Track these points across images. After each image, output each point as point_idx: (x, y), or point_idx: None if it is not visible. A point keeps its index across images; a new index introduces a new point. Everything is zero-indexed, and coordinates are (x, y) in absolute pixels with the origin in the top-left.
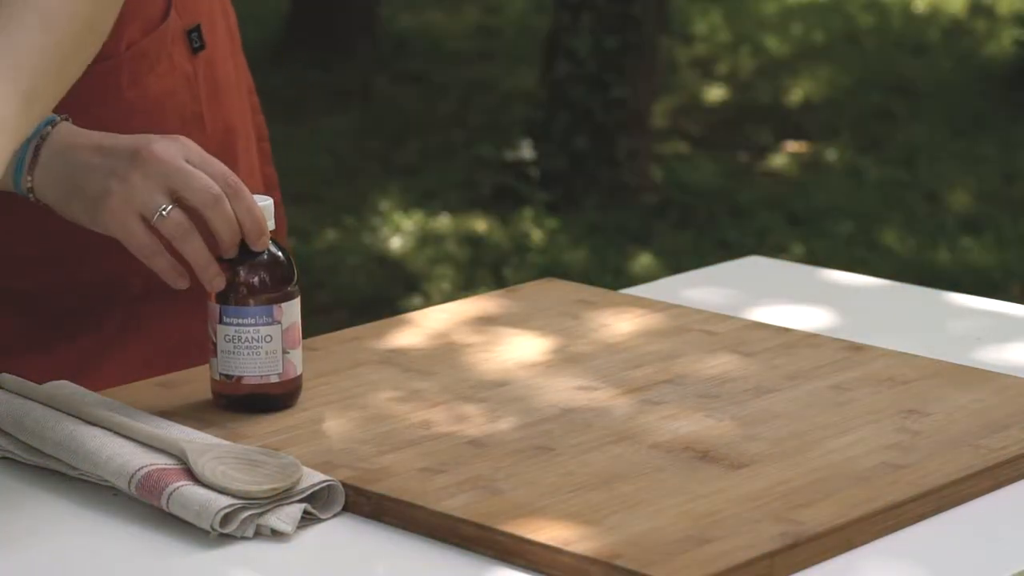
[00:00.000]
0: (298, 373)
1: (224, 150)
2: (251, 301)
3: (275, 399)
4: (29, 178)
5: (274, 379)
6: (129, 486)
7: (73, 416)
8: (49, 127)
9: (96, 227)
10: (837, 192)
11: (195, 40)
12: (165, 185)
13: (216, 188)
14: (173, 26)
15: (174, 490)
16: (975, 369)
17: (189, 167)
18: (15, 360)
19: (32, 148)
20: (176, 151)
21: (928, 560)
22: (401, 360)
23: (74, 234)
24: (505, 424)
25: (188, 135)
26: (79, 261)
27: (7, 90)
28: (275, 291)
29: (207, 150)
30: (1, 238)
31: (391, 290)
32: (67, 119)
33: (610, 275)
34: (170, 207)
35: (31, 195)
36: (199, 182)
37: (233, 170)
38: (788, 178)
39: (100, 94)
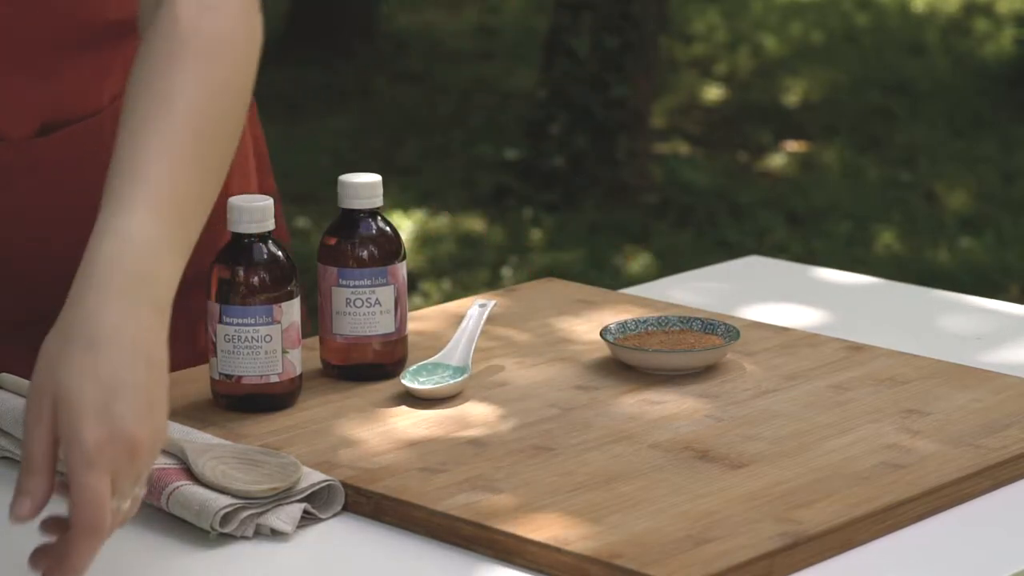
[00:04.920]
0: (298, 373)
1: None
2: (251, 301)
3: (275, 399)
4: None
5: (274, 379)
6: None
7: None
8: None
9: None
10: (836, 192)
11: None
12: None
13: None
14: None
15: (174, 490)
16: (974, 369)
17: (92, 479)
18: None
19: None
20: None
21: (928, 560)
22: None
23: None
24: (505, 424)
25: None
26: None
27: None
28: (275, 291)
29: None
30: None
31: None
32: None
33: (609, 275)
34: None
35: None
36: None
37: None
38: (787, 178)
39: (87, 151)
